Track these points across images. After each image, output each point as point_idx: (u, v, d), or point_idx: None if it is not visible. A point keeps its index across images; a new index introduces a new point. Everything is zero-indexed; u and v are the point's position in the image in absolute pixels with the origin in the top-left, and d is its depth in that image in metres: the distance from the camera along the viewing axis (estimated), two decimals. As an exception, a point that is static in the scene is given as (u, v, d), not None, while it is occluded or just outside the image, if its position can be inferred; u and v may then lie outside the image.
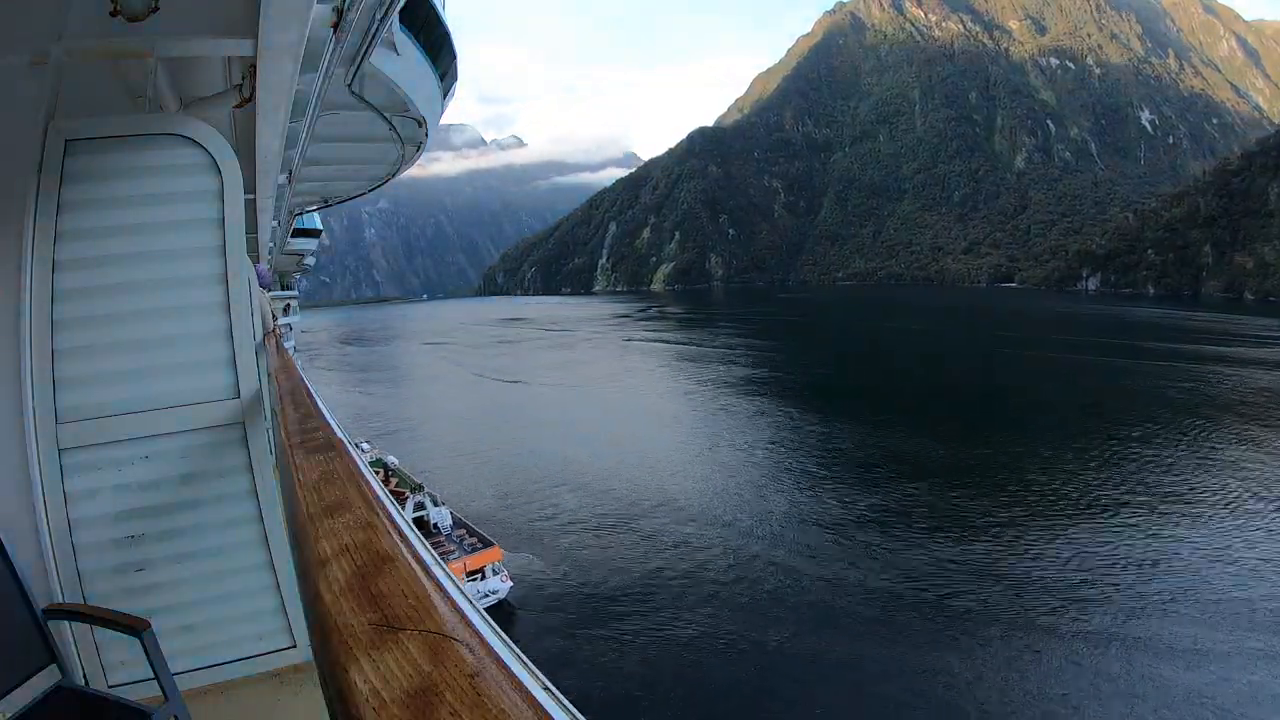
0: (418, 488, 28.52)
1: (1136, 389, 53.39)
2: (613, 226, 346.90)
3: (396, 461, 34.42)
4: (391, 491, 29.62)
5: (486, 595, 22.95)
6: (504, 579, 23.86)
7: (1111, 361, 65.90)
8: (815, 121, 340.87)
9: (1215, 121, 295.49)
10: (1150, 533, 26.38)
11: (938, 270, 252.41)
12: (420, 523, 25.75)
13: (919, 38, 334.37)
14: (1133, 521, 27.45)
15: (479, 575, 23.51)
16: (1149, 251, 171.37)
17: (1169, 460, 34.97)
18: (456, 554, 24.32)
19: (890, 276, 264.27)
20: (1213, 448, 37.00)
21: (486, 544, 25.43)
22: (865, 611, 21.83)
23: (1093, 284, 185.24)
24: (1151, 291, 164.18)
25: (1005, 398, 53.78)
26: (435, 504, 27.40)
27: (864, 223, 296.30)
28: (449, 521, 27.14)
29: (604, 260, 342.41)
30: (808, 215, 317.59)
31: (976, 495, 30.85)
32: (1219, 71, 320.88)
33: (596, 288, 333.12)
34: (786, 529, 28.44)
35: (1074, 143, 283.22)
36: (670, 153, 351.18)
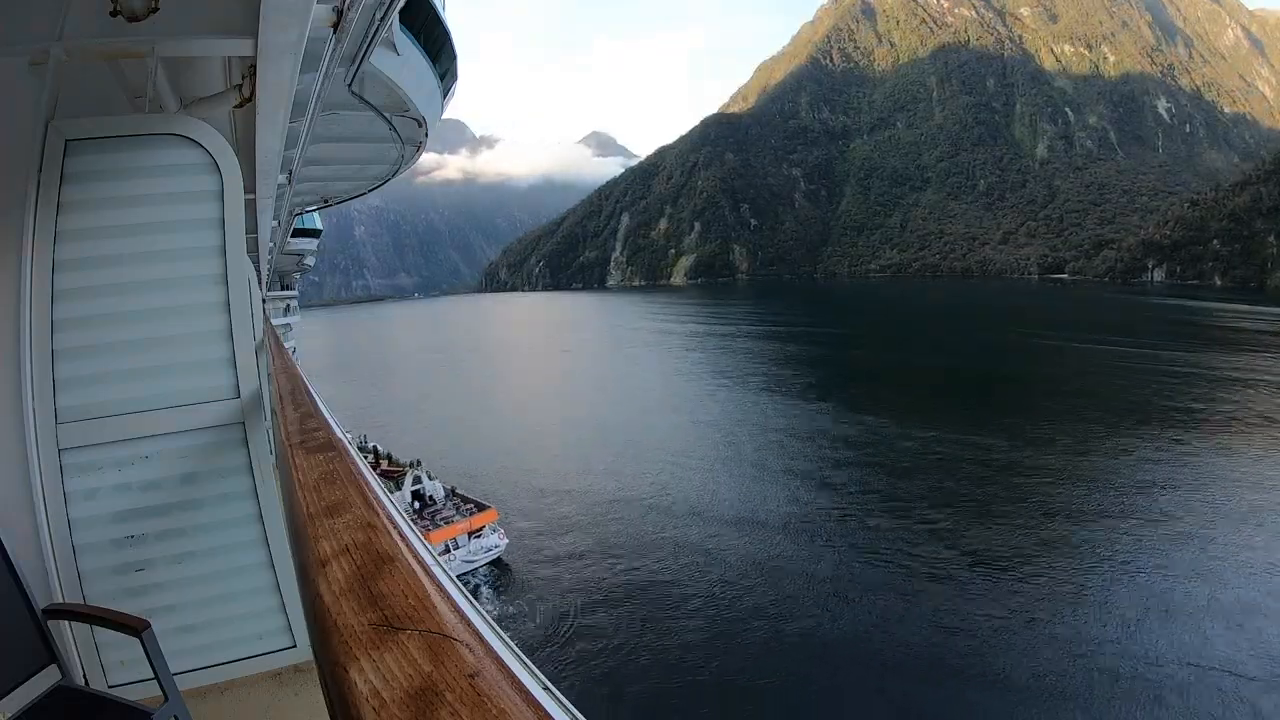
0: (416, 463, 31.86)
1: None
2: (625, 218, 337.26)
3: (379, 446, 37.30)
4: (385, 471, 31.64)
5: (489, 550, 26.86)
6: (501, 536, 27.46)
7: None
8: (831, 108, 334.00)
9: (1227, 111, 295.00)
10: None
11: (978, 261, 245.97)
12: (418, 495, 30.22)
13: (931, 24, 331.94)
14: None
15: (479, 533, 27.24)
16: (1214, 242, 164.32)
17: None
18: (457, 517, 28.13)
19: (926, 268, 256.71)
20: None
21: (483, 507, 28.92)
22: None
23: (1158, 275, 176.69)
24: (1218, 283, 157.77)
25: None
26: (430, 478, 30.86)
27: (890, 212, 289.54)
28: (442, 493, 30.54)
29: (618, 253, 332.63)
30: (830, 204, 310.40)
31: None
32: (1225, 60, 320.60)
33: (611, 282, 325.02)
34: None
35: (1094, 131, 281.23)
36: (682, 140, 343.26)
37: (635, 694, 18.34)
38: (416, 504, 29.49)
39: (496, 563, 26.95)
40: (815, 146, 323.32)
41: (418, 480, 30.24)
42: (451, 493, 30.80)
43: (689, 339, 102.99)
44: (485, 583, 25.94)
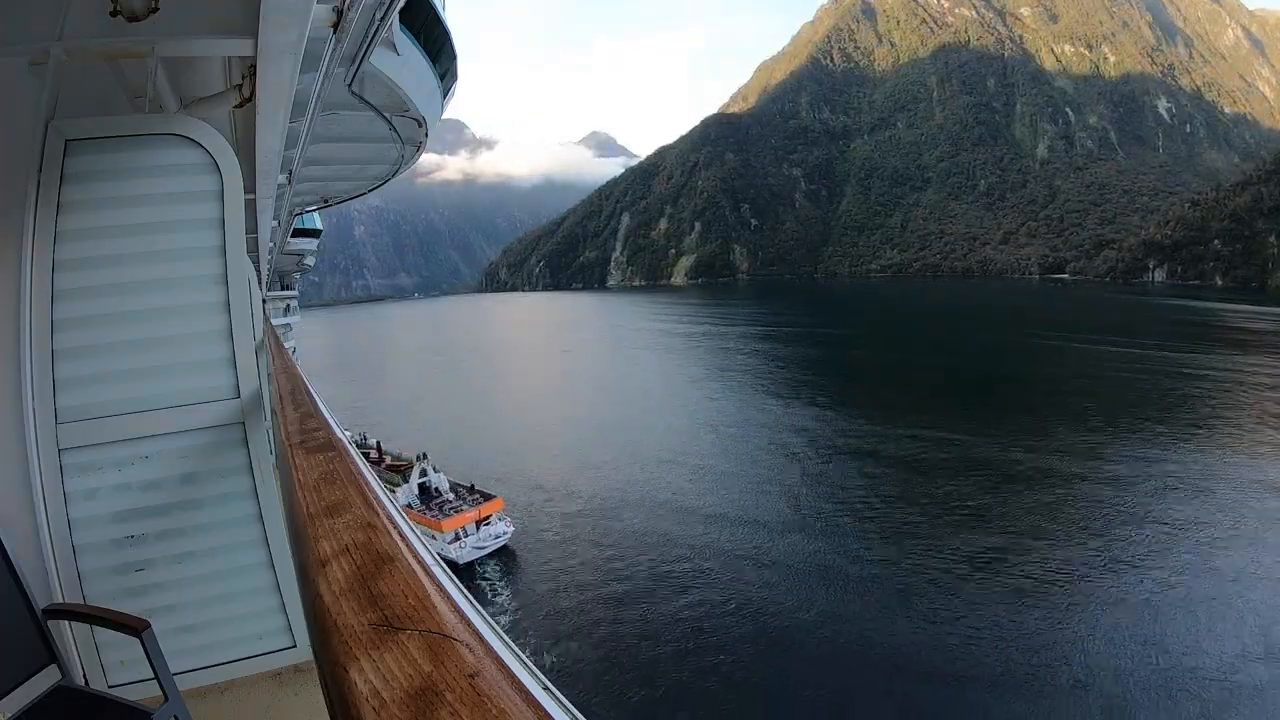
0: (422, 456, 32.37)
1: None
2: (625, 218, 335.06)
3: (380, 443, 37.73)
4: (390, 466, 32.36)
5: (498, 537, 28.04)
6: (508, 524, 28.77)
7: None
8: (831, 108, 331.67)
9: (1228, 111, 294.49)
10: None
11: (979, 261, 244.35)
12: (425, 487, 31.19)
13: (931, 24, 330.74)
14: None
15: (487, 521, 28.49)
16: (1215, 242, 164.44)
17: None
18: (465, 506, 29.37)
19: (927, 268, 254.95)
20: None
21: (489, 496, 30.17)
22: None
23: (1159, 275, 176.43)
24: (1219, 283, 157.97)
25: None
26: (435, 470, 31.79)
27: (890, 212, 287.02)
28: (447, 485, 31.47)
29: (618, 253, 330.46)
30: (830, 204, 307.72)
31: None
32: (1225, 60, 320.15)
33: (611, 283, 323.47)
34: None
35: (1095, 131, 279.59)
36: (683, 140, 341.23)
37: (636, 693, 18.33)
38: (436, 500, 30.32)
39: (503, 550, 27.88)
40: (815, 146, 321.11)
41: (424, 473, 31.24)
42: (454, 485, 31.69)
43: (689, 339, 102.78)
44: (494, 571, 26.59)
